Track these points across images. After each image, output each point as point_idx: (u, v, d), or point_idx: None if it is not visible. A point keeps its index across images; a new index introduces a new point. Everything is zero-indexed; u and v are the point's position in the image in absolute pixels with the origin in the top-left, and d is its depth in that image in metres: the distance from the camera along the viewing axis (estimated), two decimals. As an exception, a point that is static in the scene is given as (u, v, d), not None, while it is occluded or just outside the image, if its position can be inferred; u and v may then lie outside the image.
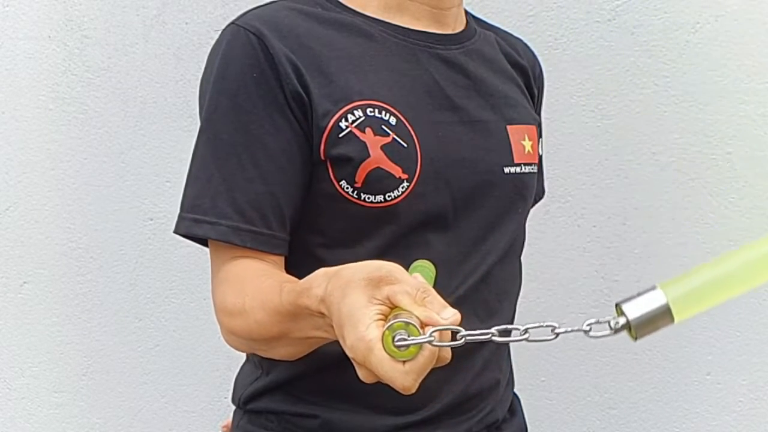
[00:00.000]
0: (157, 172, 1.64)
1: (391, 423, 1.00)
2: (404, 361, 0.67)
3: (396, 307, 0.69)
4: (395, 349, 0.66)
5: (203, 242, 1.01)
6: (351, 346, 0.69)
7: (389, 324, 0.67)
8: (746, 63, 1.60)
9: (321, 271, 0.79)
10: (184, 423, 1.71)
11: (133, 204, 1.65)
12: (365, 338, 0.68)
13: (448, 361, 0.71)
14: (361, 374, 0.71)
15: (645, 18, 1.61)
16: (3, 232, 1.66)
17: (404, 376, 0.67)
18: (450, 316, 0.69)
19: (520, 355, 1.24)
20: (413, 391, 0.68)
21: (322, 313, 0.77)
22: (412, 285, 0.71)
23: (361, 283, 0.71)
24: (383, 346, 0.67)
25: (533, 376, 1.68)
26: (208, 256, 1.71)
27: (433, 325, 0.67)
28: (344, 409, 1.00)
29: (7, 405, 1.70)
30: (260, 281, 0.90)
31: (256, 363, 1.07)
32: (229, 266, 0.95)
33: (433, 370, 0.99)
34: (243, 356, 1.12)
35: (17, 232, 1.66)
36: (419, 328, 0.66)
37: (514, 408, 1.15)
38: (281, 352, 0.92)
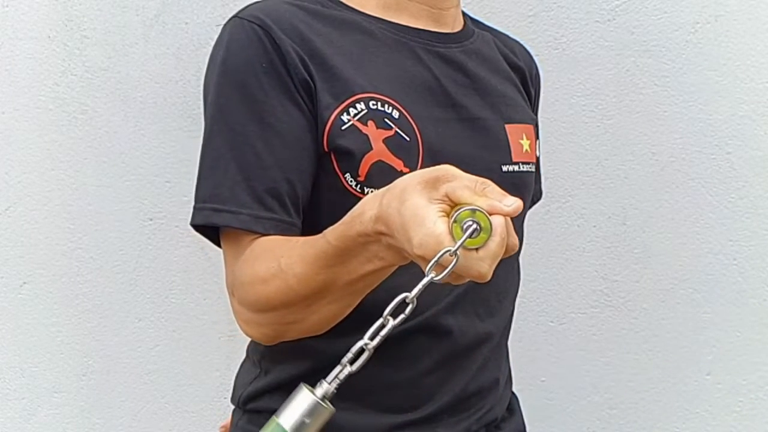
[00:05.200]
0: (157, 172, 1.64)
1: (390, 421, 1.00)
2: (476, 249, 0.68)
3: (456, 204, 0.70)
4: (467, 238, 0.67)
5: (211, 237, 0.99)
6: (420, 244, 0.69)
7: (455, 215, 0.68)
8: (746, 63, 1.60)
9: (369, 196, 0.79)
10: (184, 423, 1.71)
11: (133, 204, 1.65)
12: (434, 232, 0.68)
13: (516, 250, 0.73)
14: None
15: (645, 18, 1.61)
16: (3, 232, 1.66)
17: (479, 263, 0.68)
18: (512, 203, 0.70)
19: (520, 356, 1.24)
20: (489, 278, 0.69)
21: (380, 233, 0.76)
22: (470, 179, 0.71)
23: (417, 186, 0.71)
24: (453, 238, 0.68)
25: (533, 376, 1.68)
26: (208, 256, 1.70)
27: (498, 213, 0.68)
28: (344, 407, 0.99)
29: (7, 405, 1.70)
30: (292, 242, 0.90)
31: (254, 362, 1.07)
32: (251, 245, 0.93)
33: (432, 370, 1.01)
34: (243, 356, 1.12)
35: (17, 232, 1.66)
36: (487, 216, 0.68)
37: (513, 407, 1.15)
38: (320, 315, 0.89)
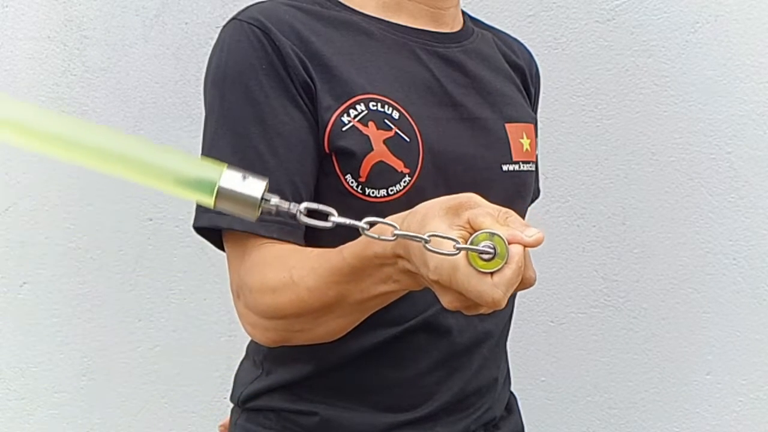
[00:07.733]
0: (157, 172, 1.64)
1: (389, 421, 1.00)
2: (491, 274, 0.67)
3: (477, 231, 0.69)
4: (481, 262, 0.66)
5: (213, 240, 0.99)
6: (435, 267, 0.69)
7: (472, 238, 0.67)
8: (746, 63, 1.60)
9: (390, 218, 0.78)
10: (184, 423, 1.71)
11: (133, 204, 1.65)
12: (450, 257, 0.67)
13: (533, 285, 0.71)
14: (446, 300, 0.71)
15: (645, 18, 1.61)
16: (3, 232, 1.66)
17: (493, 289, 0.67)
18: (533, 234, 0.68)
19: (519, 355, 1.24)
20: (503, 305, 0.68)
21: (398, 256, 0.76)
22: (493, 207, 0.70)
23: (440, 212, 0.71)
24: (468, 261, 0.67)
25: (533, 376, 1.68)
26: (208, 256, 1.70)
27: (518, 243, 0.67)
28: (343, 406, 1.00)
29: (7, 405, 1.70)
30: (305, 253, 0.89)
31: (255, 362, 1.06)
32: (260, 251, 0.93)
33: (431, 369, 1.01)
34: (243, 356, 1.12)
35: (17, 232, 1.66)
36: (504, 240, 0.66)
37: (511, 406, 1.15)
38: (328, 327, 0.89)
